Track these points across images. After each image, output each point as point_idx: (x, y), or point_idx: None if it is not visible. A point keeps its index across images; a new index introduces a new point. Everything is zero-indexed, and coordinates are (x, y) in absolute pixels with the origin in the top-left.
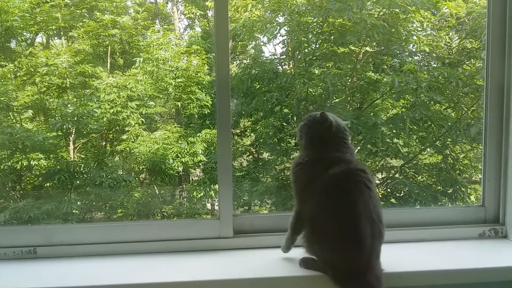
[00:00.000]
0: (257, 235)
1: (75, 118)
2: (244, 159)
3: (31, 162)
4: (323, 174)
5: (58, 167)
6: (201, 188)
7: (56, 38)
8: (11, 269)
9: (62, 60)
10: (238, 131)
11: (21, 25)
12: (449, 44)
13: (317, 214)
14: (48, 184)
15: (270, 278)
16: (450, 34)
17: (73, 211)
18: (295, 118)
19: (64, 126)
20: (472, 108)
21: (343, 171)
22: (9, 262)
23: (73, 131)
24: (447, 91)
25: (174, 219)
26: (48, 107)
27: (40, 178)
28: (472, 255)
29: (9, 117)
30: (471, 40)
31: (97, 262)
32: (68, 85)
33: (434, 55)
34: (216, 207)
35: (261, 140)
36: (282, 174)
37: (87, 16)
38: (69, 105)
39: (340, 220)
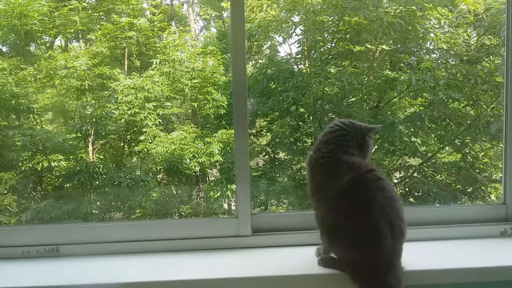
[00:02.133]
0: (276, 234)
1: (94, 120)
2: (260, 159)
3: (52, 163)
4: (330, 179)
5: (78, 168)
6: (218, 188)
7: (74, 41)
8: (34, 267)
9: (80, 62)
10: (254, 131)
11: (40, 29)
12: (467, 41)
13: (334, 219)
14: (68, 185)
15: (289, 276)
16: (468, 31)
17: (93, 211)
18: (311, 118)
19: (83, 128)
20: (492, 106)
21: (350, 180)
22: (33, 260)
23: (92, 133)
24: (466, 89)
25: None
26: (67, 109)
27: (60, 179)
28: (493, 253)
29: (29, 119)
30: (489, 36)
31: (117, 260)
32: (86, 87)
33: (452, 52)
34: (233, 207)
35: (277, 139)
36: (299, 173)
37: (105, 19)
38: (87, 107)
39: (357, 226)
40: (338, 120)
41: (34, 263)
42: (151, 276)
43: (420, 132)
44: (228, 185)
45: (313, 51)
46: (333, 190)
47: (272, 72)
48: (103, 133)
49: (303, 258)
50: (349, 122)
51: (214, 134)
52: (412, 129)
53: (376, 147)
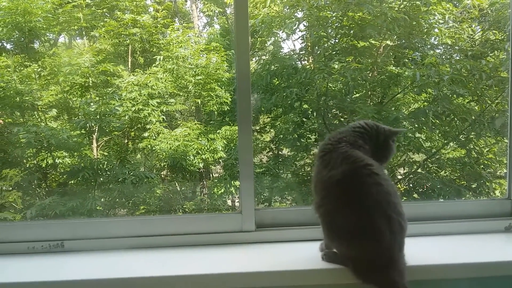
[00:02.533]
0: (279, 229)
1: (98, 117)
2: (264, 155)
3: (56, 160)
4: (326, 167)
5: (82, 164)
6: (222, 184)
7: (78, 38)
8: (39, 262)
9: (84, 59)
10: (257, 127)
11: (44, 26)
12: (471, 36)
13: (330, 212)
14: (72, 182)
15: (292, 271)
16: (473, 26)
17: (97, 207)
18: (315, 114)
19: (87, 125)
20: (496, 101)
21: (345, 172)
22: (38, 256)
23: (96, 129)
24: (470, 84)
25: (196, 214)
26: (71, 106)
27: (65, 176)
28: (498, 248)
29: (34, 116)
30: (494, 31)
31: (122, 255)
32: (90, 84)
33: (456, 47)
34: (237, 204)
35: (281, 136)
36: (302, 170)
37: (108, 15)
38: (91, 104)
39: (353, 222)
40: (363, 120)
41: (39, 259)
42: (155, 271)
43: (424, 127)
44: (232, 182)
45: (316, 47)
46: (327, 179)
47: (275, 68)
48: (107, 130)
49: (306, 253)
50: (373, 124)
51: (217, 131)
52: (416, 125)
53: None
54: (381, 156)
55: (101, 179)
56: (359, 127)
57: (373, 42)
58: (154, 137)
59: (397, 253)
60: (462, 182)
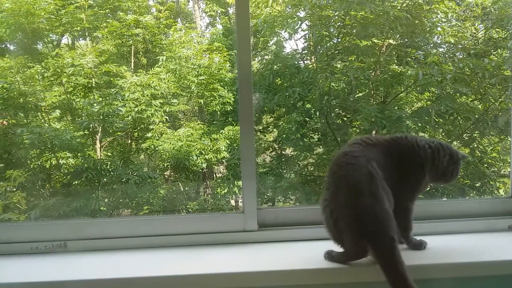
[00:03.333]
0: (282, 229)
1: (101, 117)
2: (267, 155)
3: (60, 161)
4: None
5: (86, 165)
6: (225, 184)
7: (81, 39)
8: (43, 262)
9: (87, 60)
10: (260, 127)
11: (47, 27)
12: (474, 35)
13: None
14: (76, 182)
15: (295, 271)
16: (476, 24)
17: (101, 208)
18: (317, 113)
19: (91, 125)
20: (500, 100)
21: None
22: (41, 256)
23: (99, 130)
24: (473, 83)
25: (199, 214)
26: (74, 107)
27: (68, 176)
28: (502, 246)
29: (37, 117)
30: (497, 29)
31: (125, 255)
32: (93, 85)
33: (459, 46)
34: (240, 204)
35: (284, 135)
36: (306, 169)
37: (111, 16)
38: (95, 105)
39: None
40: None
41: (43, 259)
42: (158, 271)
43: (428, 127)
44: (235, 182)
45: (319, 46)
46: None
47: (278, 68)
48: (110, 131)
49: (309, 253)
50: (447, 145)
51: (220, 131)
52: (419, 124)
53: None
54: (452, 171)
55: (105, 179)
56: (437, 144)
57: (375, 41)
58: (157, 138)
59: (370, 199)
60: (466, 181)
